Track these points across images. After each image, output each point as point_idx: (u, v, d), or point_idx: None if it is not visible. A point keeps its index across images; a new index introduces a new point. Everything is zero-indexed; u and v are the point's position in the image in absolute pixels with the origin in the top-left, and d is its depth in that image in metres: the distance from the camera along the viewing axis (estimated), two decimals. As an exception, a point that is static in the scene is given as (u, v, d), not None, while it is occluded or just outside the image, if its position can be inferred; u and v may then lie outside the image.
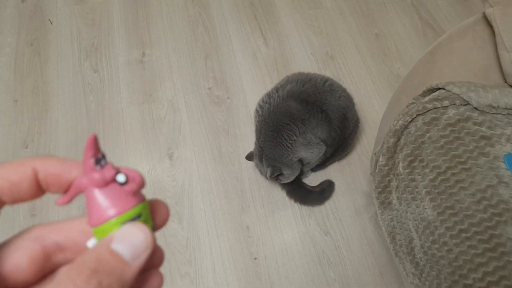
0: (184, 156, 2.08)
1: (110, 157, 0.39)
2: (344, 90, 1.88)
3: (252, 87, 2.26)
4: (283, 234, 1.88)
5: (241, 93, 2.24)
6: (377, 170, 1.46)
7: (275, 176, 1.76)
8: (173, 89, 2.27)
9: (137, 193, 0.31)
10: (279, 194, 1.97)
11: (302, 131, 1.71)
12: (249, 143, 2.10)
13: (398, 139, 1.36)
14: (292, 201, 1.95)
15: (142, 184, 0.31)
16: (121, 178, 0.30)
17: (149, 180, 2.04)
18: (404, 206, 1.36)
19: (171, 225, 1.88)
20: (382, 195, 1.46)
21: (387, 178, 1.43)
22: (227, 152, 2.08)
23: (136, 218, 0.30)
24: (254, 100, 2.16)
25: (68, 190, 0.30)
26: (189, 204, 1.95)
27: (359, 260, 1.82)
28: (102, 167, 0.30)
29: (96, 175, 0.29)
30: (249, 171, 2.03)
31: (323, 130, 1.75)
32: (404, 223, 1.37)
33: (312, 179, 2.01)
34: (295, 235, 1.88)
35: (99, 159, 0.30)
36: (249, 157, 1.88)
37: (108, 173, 0.30)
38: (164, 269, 0.33)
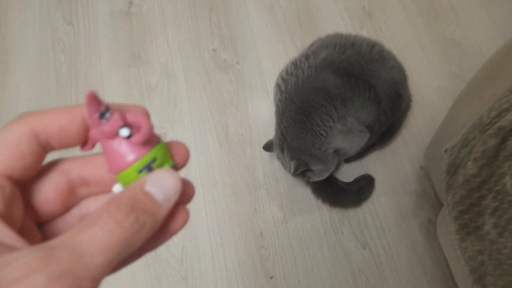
0: (181, 138, 1.62)
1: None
2: (395, 59, 1.40)
3: (268, 48, 1.77)
4: (307, 245, 1.44)
5: (255, 56, 1.76)
6: (461, 180, 1.01)
7: (301, 172, 1.30)
8: (167, 50, 1.78)
9: (154, 137, 0.32)
10: (303, 192, 1.52)
11: (341, 115, 1.25)
12: (265, 124, 1.63)
13: (503, 141, 0.90)
14: (320, 201, 1.50)
15: (150, 132, 0.30)
16: (124, 132, 0.30)
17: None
18: (507, 239, 0.91)
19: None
20: (466, 216, 1.02)
21: (477, 194, 0.98)
22: (235, 134, 1.62)
23: (153, 161, 0.31)
24: (270, 67, 1.70)
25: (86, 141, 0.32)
26: (186, 202, 1.51)
27: (406, 282, 1.39)
28: (108, 119, 0.30)
29: (105, 128, 0.30)
30: (264, 160, 1.57)
31: (369, 113, 1.28)
32: (505, 264, 0.93)
33: (346, 173, 1.55)
34: (323, 247, 1.44)
35: (103, 112, 0.29)
36: (268, 147, 1.42)
37: (116, 124, 0.30)
38: None
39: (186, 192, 0.32)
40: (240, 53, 1.77)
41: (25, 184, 0.30)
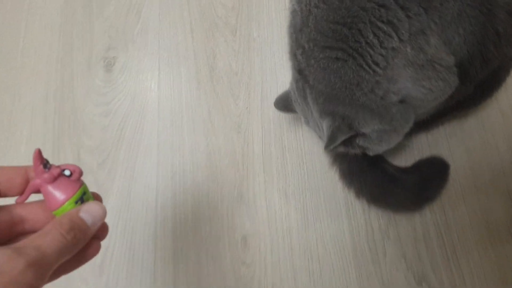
0: (139, 67, 1.01)
1: None
2: None
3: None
4: (321, 271, 0.83)
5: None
6: None
7: (347, 141, 0.70)
8: None
9: (78, 180, 0.43)
10: (324, 177, 0.90)
11: (416, 29, 0.62)
12: (278, 64, 1.01)
13: None
14: (352, 195, 0.88)
15: (81, 174, 0.43)
16: (67, 172, 0.43)
17: (51, 138, 0.99)
18: None
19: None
20: None
21: None
22: (226, 71, 1.00)
23: (82, 196, 0.43)
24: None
25: (23, 191, 0.42)
26: (134, 177, 0.91)
27: None
28: (49, 168, 0.42)
29: (46, 175, 0.41)
30: (268, 119, 0.96)
31: (468, 35, 0.65)
32: None
33: (400, 152, 0.92)
34: (350, 275, 0.82)
35: (45, 164, 0.42)
36: (281, 102, 0.81)
37: (54, 171, 0.42)
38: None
39: (102, 231, 0.44)
40: (251, -47, 1.14)
41: None
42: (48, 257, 0.36)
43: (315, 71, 0.65)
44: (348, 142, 0.69)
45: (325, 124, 0.65)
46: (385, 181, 0.87)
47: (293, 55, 0.69)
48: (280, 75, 1.00)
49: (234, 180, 0.91)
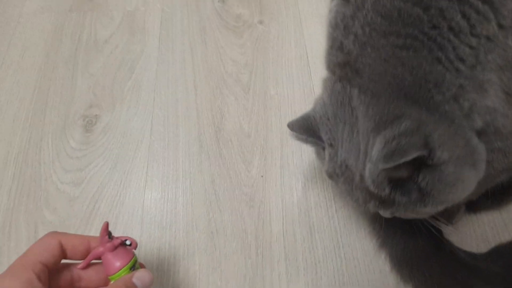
0: (124, 128, 0.81)
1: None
2: None
3: (316, 6, 0.99)
4: None
5: (293, 15, 0.98)
6: None
7: (400, 180, 0.45)
8: (143, -5, 1.03)
9: (131, 251, 0.51)
10: (370, 267, 0.65)
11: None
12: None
13: None
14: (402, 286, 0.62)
15: (137, 245, 0.52)
16: (128, 242, 0.51)
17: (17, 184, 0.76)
18: None
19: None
20: None
21: None
22: (236, 131, 0.80)
23: (134, 265, 0.50)
24: (316, 31, 0.91)
25: (85, 257, 0.50)
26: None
27: None
28: (112, 239, 0.50)
29: (109, 245, 0.49)
30: (292, 184, 0.73)
31: None
32: None
33: (467, 236, 0.68)
34: None
35: (109, 234, 0.50)
36: (299, 123, 0.57)
37: (116, 242, 0.49)
38: None
39: None
40: (267, 10, 0.99)
41: (51, 272, 0.47)
42: None
43: (373, 62, 0.43)
44: (402, 181, 0.44)
45: (388, 133, 0.41)
46: (460, 271, 0.62)
47: (336, 49, 0.48)
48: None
49: (244, 271, 0.65)
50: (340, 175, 0.50)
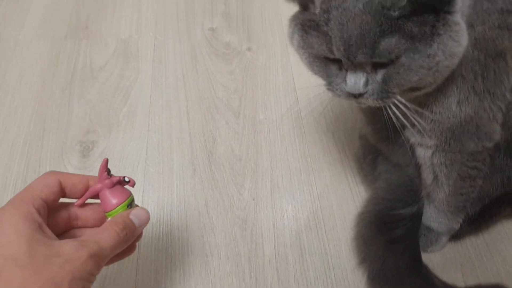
0: (120, 153, 0.84)
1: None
2: None
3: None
4: None
5: (280, 43, 1.02)
6: None
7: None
8: (135, 23, 1.07)
9: (128, 190, 0.52)
10: (360, 286, 0.68)
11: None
12: (285, 143, 0.85)
13: None
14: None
15: (134, 183, 0.52)
16: (127, 179, 0.51)
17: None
18: None
19: None
20: None
21: None
22: (226, 155, 0.83)
23: (131, 203, 0.51)
24: (302, 64, 0.94)
25: (83, 196, 0.50)
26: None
27: None
28: (111, 176, 0.50)
29: (107, 181, 0.49)
30: (282, 207, 0.76)
31: None
32: None
33: (448, 264, 0.72)
34: None
35: (108, 171, 0.50)
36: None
37: (114, 179, 0.50)
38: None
39: (139, 235, 0.52)
40: (255, 37, 1.04)
41: (50, 209, 0.48)
42: (105, 250, 0.44)
43: None
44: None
45: None
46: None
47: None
48: (293, 161, 0.82)
49: (238, 292, 0.68)
50: (336, 7, 0.45)
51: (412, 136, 0.58)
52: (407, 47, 0.43)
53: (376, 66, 0.46)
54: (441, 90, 0.51)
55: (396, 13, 0.42)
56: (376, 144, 0.71)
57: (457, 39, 0.44)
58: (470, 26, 0.47)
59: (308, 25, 0.48)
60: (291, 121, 0.89)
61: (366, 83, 0.47)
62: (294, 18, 0.51)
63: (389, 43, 0.43)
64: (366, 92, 0.48)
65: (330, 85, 0.51)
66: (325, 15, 0.45)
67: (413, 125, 0.54)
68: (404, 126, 0.56)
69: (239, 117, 0.89)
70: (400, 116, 0.50)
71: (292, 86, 0.94)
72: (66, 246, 0.42)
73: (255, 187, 0.79)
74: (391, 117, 0.50)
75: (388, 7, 0.42)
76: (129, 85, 0.94)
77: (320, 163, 0.82)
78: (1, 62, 0.98)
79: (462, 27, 0.44)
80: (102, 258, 0.44)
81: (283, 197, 0.78)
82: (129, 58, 0.99)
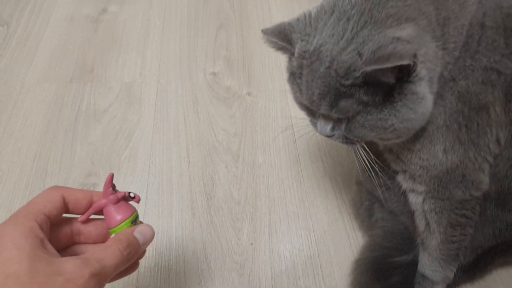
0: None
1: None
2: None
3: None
4: None
5: (279, 89, 1.05)
6: None
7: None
8: (139, 67, 1.10)
9: (133, 206, 0.51)
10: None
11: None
12: (283, 187, 0.87)
13: None
14: None
15: (139, 199, 0.52)
16: (132, 195, 0.51)
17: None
18: None
19: None
20: None
21: None
22: (227, 200, 0.84)
23: (136, 219, 0.50)
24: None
25: (87, 211, 0.49)
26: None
27: None
28: (116, 192, 0.50)
29: (112, 197, 0.49)
30: (280, 252, 0.77)
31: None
32: None
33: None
34: None
35: (113, 187, 0.50)
36: (271, 30, 0.56)
37: (119, 194, 0.49)
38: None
39: (142, 253, 0.51)
40: (255, 83, 1.07)
41: (52, 225, 0.47)
42: (107, 269, 0.43)
43: None
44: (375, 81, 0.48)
45: (390, 32, 0.46)
46: None
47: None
48: (291, 205, 0.83)
49: (234, 339, 0.68)
50: (306, 66, 0.51)
51: (404, 182, 0.61)
52: (361, 109, 0.49)
53: (340, 118, 0.53)
54: (427, 137, 0.54)
55: (348, 82, 0.47)
56: (372, 191, 0.72)
57: (412, 107, 0.48)
58: (453, 80, 0.51)
59: (292, 74, 0.54)
60: (290, 165, 0.90)
61: (333, 129, 0.55)
62: (287, 65, 0.57)
63: (344, 104, 0.49)
64: (333, 135, 0.55)
65: (310, 122, 0.60)
66: (299, 70, 0.52)
67: (404, 171, 0.60)
68: (396, 172, 0.59)
69: (238, 161, 0.91)
70: (365, 159, 0.57)
71: (291, 130, 0.96)
72: (68, 264, 0.41)
73: (253, 232, 0.80)
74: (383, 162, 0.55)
75: (342, 76, 0.47)
76: (132, 128, 0.96)
77: (318, 208, 0.83)
78: (7, 104, 1.00)
79: (422, 95, 0.48)
80: (104, 277, 0.43)
81: (281, 242, 0.79)
82: (132, 101, 1.01)
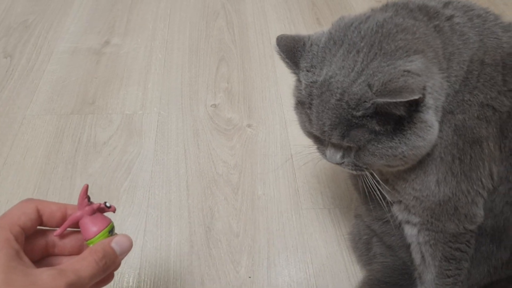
0: (119, 229, 0.85)
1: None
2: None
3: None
4: None
5: (279, 122, 1.06)
6: None
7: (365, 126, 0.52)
8: (140, 100, 1.11)
9: (108, 217, 0.50)
10: None
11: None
12: (282, 219, 0.86)
13: None
14: None
15: (115, 210, 0.52)
16: (108, 204, 0.51)
17: None
18: None
19: None
20: None
21: None
22: (224, 233, 0.84)
23: (112, 230, 0.50)
24: (300, 141, 0.98)
25: (61, 224, 0.48)
26: None
27: None
28: (91, 203, 0.49)
29: (87, 208, 0.48)
30: (278, 285, 0.76)
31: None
32: None
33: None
34: None
35: (89, 198, 0.49)
36: (285, 43, 0.57)
37: (94, 206, 0.49)
38: None
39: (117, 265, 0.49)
40: (255, 115, 1.08)
41: (27, 237, 0.46)
42: (83, 280, 0.43)
43: None
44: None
45: (401, 64, 0.48)
46: None
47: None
48: (290, 238, 0.83)
49: None
50: (317, 96, 0.52)
51: (400, 213, 0.62)
52: (372, 138, 0.51)
53: (350, 146, 0.54)
54: (421, 168, 0.55)
55: (360, 113, 0.49)
56: (370, 225, 0.72)
57: (421, 134, 0.50)
58: (451, 112, 0.53)
59: (300, 103, 0.56)
60: (289, 197, 0.90)
61: (343, 157, 0.56)
62: (293, 92, 0.59)
63: (356, 134, 0.51)
64: (343, 163, 0.56)
65: (318, 149, 0.60)
66: (308, 99, 0.53)
67: (399, 201, 0.61)
68: (391, 203, 0.61)
69: (238, 193, 0.91)
70: (374, 185, 0.57)
71: (290, 163, 0.97)
72: (44, 275, 0.40)
73: (252, 265, 0.80)
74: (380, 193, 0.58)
75: (353, 108, 0.49)
76: (131, 160, 0.97)
77: (316, 241, 0.83)
78: (8, 136, 1.01)
79: (430, 123, 0.50)
80: (82, 287, 0.43)
81: (279, 275, 0.78)
82: (133, 133, 1.02)
